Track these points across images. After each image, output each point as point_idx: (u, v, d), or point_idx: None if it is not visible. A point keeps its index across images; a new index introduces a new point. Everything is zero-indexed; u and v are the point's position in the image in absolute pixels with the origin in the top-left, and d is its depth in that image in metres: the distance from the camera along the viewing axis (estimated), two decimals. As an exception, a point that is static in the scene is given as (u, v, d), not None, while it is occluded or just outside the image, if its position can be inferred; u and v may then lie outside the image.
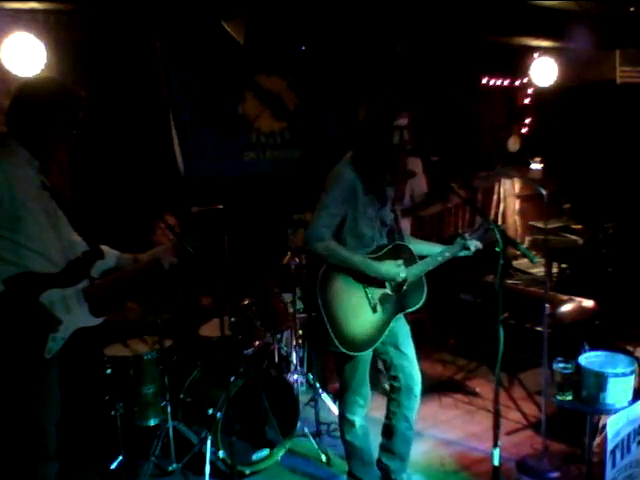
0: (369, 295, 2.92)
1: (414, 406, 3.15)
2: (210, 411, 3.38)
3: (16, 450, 2.40)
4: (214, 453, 3.35)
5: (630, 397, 2.88)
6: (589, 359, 3.01)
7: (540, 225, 5.92)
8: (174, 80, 4.51)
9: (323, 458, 3.65)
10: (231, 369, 3.48)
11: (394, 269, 2.91)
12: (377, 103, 2.96)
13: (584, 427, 3.04)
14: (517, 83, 6.29)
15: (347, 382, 3.07)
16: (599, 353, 3.07)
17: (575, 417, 3.32)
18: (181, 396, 3.61)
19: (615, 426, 2.73)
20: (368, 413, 3.18)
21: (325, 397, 4.16)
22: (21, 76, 3.70)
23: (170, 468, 3.48)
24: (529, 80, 6.08)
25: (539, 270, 5.00)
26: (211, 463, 3.36)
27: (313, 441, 3.75)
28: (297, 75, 5.07)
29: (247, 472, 3.48)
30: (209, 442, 3.34)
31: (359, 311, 2.89)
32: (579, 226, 5.81)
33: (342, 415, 3.14)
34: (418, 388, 3.14)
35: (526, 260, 4.84)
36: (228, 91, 4.76)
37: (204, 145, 4.69)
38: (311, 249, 2.83)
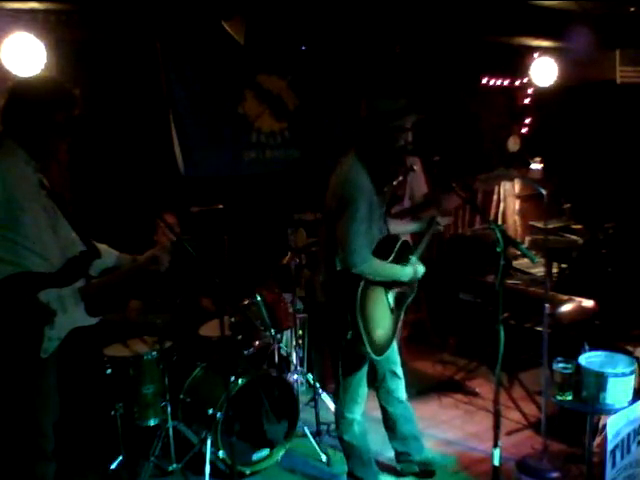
0: (389, 299, 2.98)
1: (401, 386, 3.30)
2: (210, 411, 3.38)
3: (13, 450, 2.39)
4: (214, 453, 3.35)
5: (630, 397, 2.88)
6: (589, 359, 3.02)
7: (540, 225, 5.91)
8: (174, 80, 4.51)
9: (323, 458, 3.65)
10: (231, 369, 3.48)
11: (419, 268, 3.00)
12: (383, 100, 2.91)
13: (584, 427, 3.04)
14: (517, 83, 6.29)
15: (347, 382, 3.08)
16: (599, 353, 3.07)
17: (575, 417, 3.32)
18: (181, 396, 3.61)
19: (615, 426, 2.73)
20: (367, 412, 3.20)
21: (325, 397, 4.16)
22: (21, 76, 3.70)
23: (170, 468, 3.48)
24: (529, 80, 6.08)
25: (539, 270, 5.00)
26: (211, 463, 3.36)
27: (313, 441, 3.75)
28: (297, 75, 5.07)
29: (247, 472, 3.49)
30: (209, 442, 3.34)
31: (383, 316, 2.94)
32: (579, 226, 5.81)
33: (341, 415, 3.15)
34: (399, 369, 3.29)
35: (526, 260, 4.85)
36: (228, 91, 4.76)
37: (204, 145, 4.69)
38: (358, 272, 2.75)
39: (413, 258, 3.02)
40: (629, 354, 3.21)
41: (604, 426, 2.90)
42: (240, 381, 3.42)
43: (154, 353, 3.51)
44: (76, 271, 2.48)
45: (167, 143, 4.55)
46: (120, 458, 3.45)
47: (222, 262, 3.37)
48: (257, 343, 3.82)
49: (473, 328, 4.94)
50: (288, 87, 5.06)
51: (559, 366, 3.00)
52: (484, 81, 6.07)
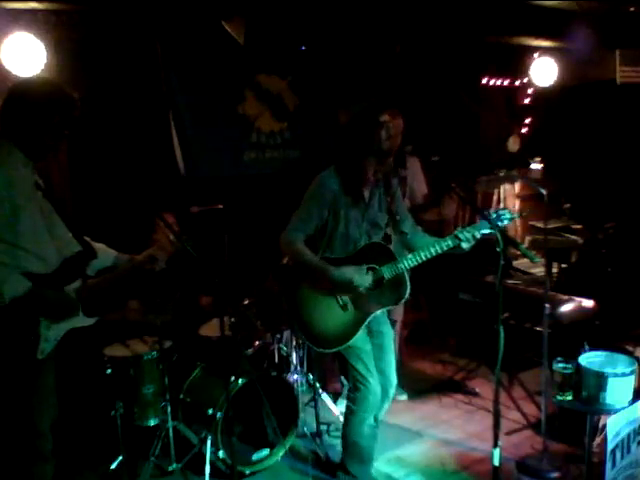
0: (337, 295, 3.00)
1: (386, 407, 3.29)
2: (210, 411, 3.38)
3: (11, 450, 2.39)
4: (214, 453, 3.35)
5: (630, 397, 2.87)
6: (589, 359, 3.01)
7: (540, 225, 5.92)
8: (174, 80, 4.51)
9: (323, 458, 3.64)
10: (231, 369, 3.48)
11: (348, 274, 2.91)
12: (358, 104, 2.99)
13: (584, 427, 3.04)
14: (517, 83, 6.29)
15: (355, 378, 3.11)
16: (599, 353, 3.07)
17: (575, 417, 3.32)
18: (181, 396, 3.61)
19: (615, 426, 2.73)
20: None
21: (325, 397, 4.16)
22: (21, 76, 3.70)
23: (170, 468, 3.48)
24: (529, 80, 6.08)
25: (539, 270, 5.00)
26: (211, 463, 3.36)
27: (313, 441, 3.75)
28: (297, 75, 5.07)
29: (247, 472, 3.48)
30: (209, 442, 3.34)
31: (327, 310, 3.00)
32: (579, 226, 5.82)
33: (353, 412, 3.14)
34: (393, 391, 3.27)
35: (526, 260, 4.85)
36: (228, 91, 4.76)
37: (204, 145, 4.69)
38: (282, 247, 3.02)
39: (363, 265, 2.96)
40: (629, 354, 3.22)
41: (604, 426, 2.89)
42: (240, 381, 3.42)
43: (154, 353, 3.51)
44: (72, 272, 2.48)
45: (167, 143, 4.55)
46: (120, 458, 3.45)
47: (222, 262, 3.37)
48: (257, 343, 3.82)
49: (473, 328, 4.94)
50: (288, 87, 5.06)
51: (559, 366, 3.00)
52: (484, 81, 6.07)
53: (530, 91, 6.36)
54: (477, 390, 4.55)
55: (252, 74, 4.87)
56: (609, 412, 2.83)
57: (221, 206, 3.52)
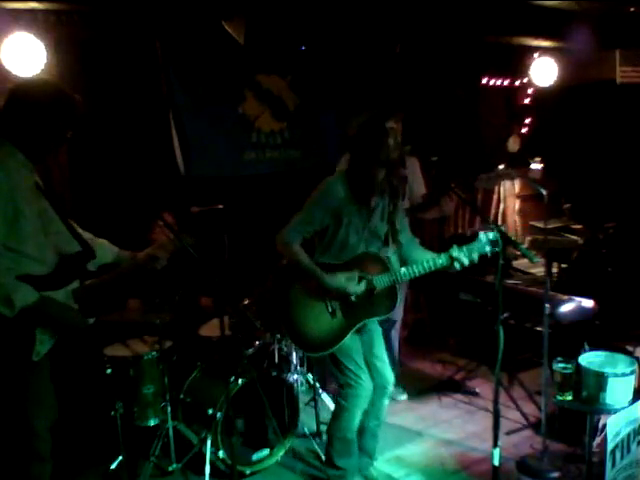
0: (327, 300, 3.02)
1: (385, 404, 3.28)
2: (210, 411, 3.38)
3: (8, 451, 2.39)
4: (214, 453, 3.35)
5: (630, 397, 2.88)
6: (589, 359, 3.01)
7: (540, 225, 5.92)
8: (174, 80, 4.51)
9: (323, 458, 3.64)
10: (231, 369, 3.48)
11: (340, 282, 2.96)
12: (365, 114, 3.00)
13: (584, 427, 3.04)
14: (517, 83, 6.29)
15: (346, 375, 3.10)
16: (599, 353, 3.07)
17: (575, 417, 3.33)
18: (181, 396, 3.61)
19: (615, 426, 2.73)
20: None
21: (325, 397, 4.16)
22: (21, 76, 3.70)
23: (170, 468, 3.48)
24: (529, 80, 6.08)
25: (539, 270, 5.00)
26: (211, 463, 3.36)
27: (313, 441, 3.75)
28: (297, 75, 5.07)
29: (247, 472, 3.48)
30: (209, 442, 3.34)
31: (316, 314, 3.02)
32: (579, 226, 5.81)
33: (344, 408, 3.14)
34: (390, 387, 3.26)
35: (526, 260, 4.84)
36: (228, 91, 4.75)
37: (204, 145, 4.69)
38: (278, 247, 3.03)
39: (354, 274, 2.99)
40: (629, 354, 3.22)
41: (604, 426, 2.90)
42: (240, 381, 3.43)
43: (154, 353, 3.51)
44: (70, 273, 2.47)
45: (167, 143, 4.55)
46: (120, 458, 3.45)
47: (222, 262, 3.37)
48: (257, 343, 3.82)
49: (473, 328, 4.94)
50: (288, 87, 5.06)
51: (559, 366, 3.00)
52: (484, 81, 6.07)
53: (530, 91, 6.36)
54: (477, 390, 4.55)
55: (252, 74, 4.87)
56: (609, 412, 2.83)
57: (221, 206, 3.52)
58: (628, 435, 2.81)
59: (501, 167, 5.64)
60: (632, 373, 2.88)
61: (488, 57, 5.83)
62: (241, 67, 4.76)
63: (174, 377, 3.59)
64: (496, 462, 2.53)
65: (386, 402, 3.28)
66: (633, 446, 2.84)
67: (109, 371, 3.43)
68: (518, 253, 4.72)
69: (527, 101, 6.43)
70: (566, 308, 4.19)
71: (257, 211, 4.79)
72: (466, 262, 2.87)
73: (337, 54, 5.10)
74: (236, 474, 3.12)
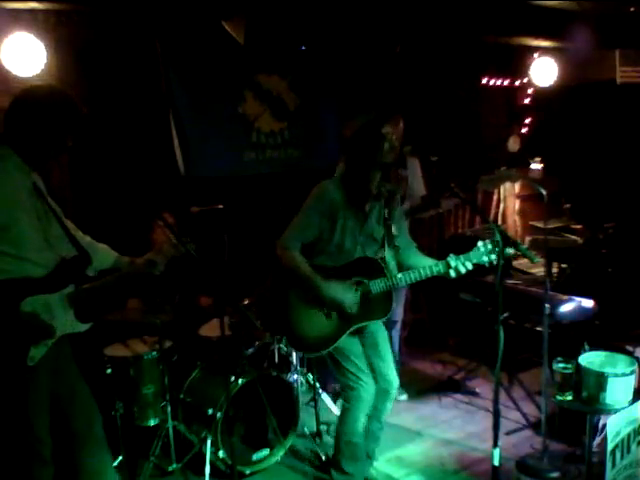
0: (322, 304, 3.01)
1: (389, 408, 3.26)
2: (210, 411, 3.38)
3: (9, 455, 2.38)
4: (214, 453, 3.35)
5: (630, 397, 2.88)
6: (589, 359, 3.01)
7: (540, 225, 5.92)
8: (174, 80, 4.51)
9: (323, 458, 3.64)
10: (231, 369, 3.48)
11: (339, 295, 2.95)
12: (361, 119, 2.98)
13: (584, 427, 3.04)
14: (517, 83, 6.30)
15: (347, 377, 3.10)
16: (599, 353, 3.07)
17: (575, 417, 3.32)
18: (181, 396, 3.61)
19: (615, 426, 2.73)
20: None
21: (325, 397, 4.16)
22: (21, 76, 3.70)
23: (170, 468, 3.48)
24: (529, 80, 6.08)
25: (539, 270, 5.00)
26: (211, 463, 3.36)
27: (313, 441, 3.75)
28: (297, 75, 5.07)
29: (247, 472, 3.48)
30: (209, 442, 3.34)
31: (312, 315, 3.02)
32: (579, 226, 5.82)
33: (348, 411, 3.13)
34: (394, 391, 3.24)
35: (526, 260, 4.84)
36: (228, 91, 4.75)
37: (204, 145, 4.68)
38: (277, 254, 3.04)
39: (348, 282, 2.99)
40: (629, 354, 3.21)
41: (604, 426, 2.90)
42: (240, 381, 3.43)
43: (154, 353, 3.51)
44: (66, 277, 2.45)
45: (167, 143, 4.55)
46: (120, 458, 3.44)
47: (222, 262, 3.36)
48: (257, 343, 3.82)
49: (473, 328, 4.94)
50: (288, 87, 5.06)
51: (559, 366, 3.00)
52: (484, 81, 6.07)
53: (530, 91, 6.36)
54: (477, 390, 4.55)
55: (252, 74, 4.87)
56: (609, 412, 2.83)
57: (221, 206, 3.52)
58: (628, 435, 2.81)
59: (502, 169, 5.63)
60: (632, 373, 2.88)
61: (488, 57, 5.84)
62: (241, 67, 4.76)
63: (174, 377, 3.59)
64: (496, 462, 2.53)
65: (389, 406, 3.25)
66: (633, 446, 2.84)
67: (109, 371, 3.43)
68: (518, 253, 4.73)
69: (527, 101, 6.43)
70: (566, 308, 4.19)
71: (257, 211, 4.79)
72: (463, 271, 2.89)
73: (337, 54, 5.10)
74: (236, 474, 3.12)
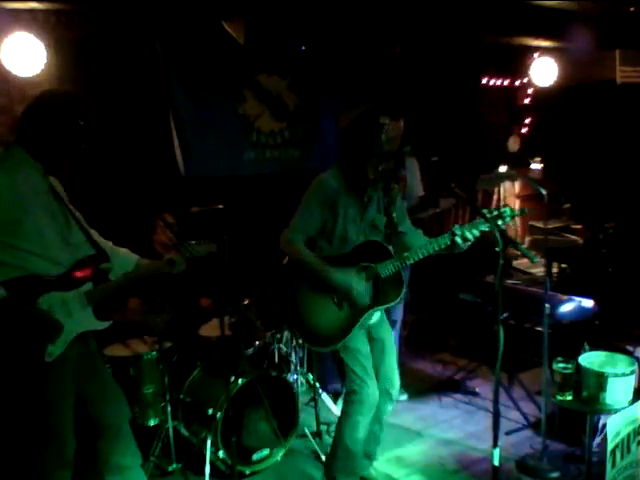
0: (333, 294, 2.99)
1: (390, 409, 3.25)
2: (210, 411, 3.38)
3: (33, 458, 2.40)
4: (214, 453, 3.35)
5: (630, 397, 2.88)
6: (589, 359, 3.01)
7: (540, 225, 5.92)
8: (174, 80, 4.51)
9: (323, 458, 3.64)
10: (231, 369, 3.48)
11: (348, 281, 2.93)
12: (358, 107, 2.98)
13: (584, 427, 3.04)
14: (517, 83, 6.30)
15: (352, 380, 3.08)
16: (599, 353, 3.07)
17: (575, 417, 3.32)
18: (181, 396, 3.61)
19: (615, 426, 2.73)
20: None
21: (325, 397, 4.16)
22: (21, 76, 3.70)
23: (170, 468, 3.48)
24: (529, 80, 6.08)
25: (539, 270, 5.00)
26: (211, 463, 3.35)
27: (313, 441, 3.75)
28: (297, 75, 5.07)
29: (247, 472, 3.48)
30: (209, 442, 3.34)
31: (323, 308, 3.00)
32: (579, 226, 5.82)
33: (348, 415, 3.11)
34: (396, 393, 3.24)
35: (526, 260, 4.85)
36: (228, 91, 4.75)
37: (204, 145, 4.68)
38: (282, 249, 3.02)
39: (354, 269, 2.98)
40: (629, 354, 3.21)
41: (604, 426, 2.90)
42: (240, 381, 3.42)
43: (154, 353, 3.51)
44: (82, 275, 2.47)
45: (167, 143, 4.55)
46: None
47: (222, 262, 3.37)
48: (257, 343, 3.82)
49: (473, 328, 4.94)
50: (288, 87, 5.06)
51: (559, 366, 3.00)
52: (484, 81, 6.08)
53: (530, 91, 6.37)
54: (477, 390, 4.55)
55: (252, 74, 4.87)
56: (609, 412, 2.83)
57: (221, 206, 3.52)
58: (628, 435, 2.81)
59: (502, 168, 5.63)
60: (632, 373, 2.88)
61: (488, 57, 5.84)
62: (241, 67, 4.76)
63: (174, 377, 3.59)
64: (496, 462, 2.52)
65: (390, 408, 3.24)
66: (633, 446, 2.84)
67: (109, 371, 3.43)
68: (518, 253, 4.73)
69: (527, 101, 6.44)
70: (566, 308, 4.19)
71: (257, 211, 4.79)
72: (470, 237, 2.83)
73: (337, 54, 5.10)
74: (236, 474, 3.12)
